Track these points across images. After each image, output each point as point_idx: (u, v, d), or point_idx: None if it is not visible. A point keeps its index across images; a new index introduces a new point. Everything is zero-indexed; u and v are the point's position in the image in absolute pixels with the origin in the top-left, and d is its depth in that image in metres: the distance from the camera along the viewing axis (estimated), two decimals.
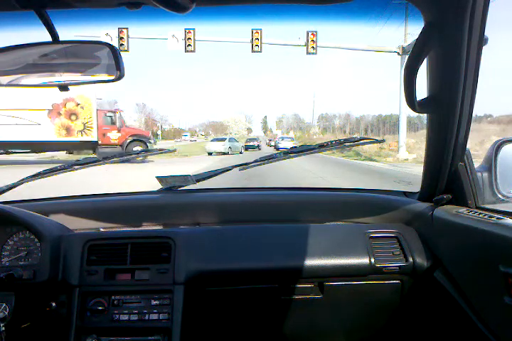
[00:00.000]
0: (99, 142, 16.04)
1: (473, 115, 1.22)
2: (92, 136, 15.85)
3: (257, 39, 16.58)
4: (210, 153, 23.96)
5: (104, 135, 16.26)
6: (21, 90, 12.06)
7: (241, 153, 25.43)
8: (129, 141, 16.43)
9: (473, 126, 1.25)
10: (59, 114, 15.31)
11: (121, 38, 16.38)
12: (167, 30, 17.16)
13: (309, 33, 16.59)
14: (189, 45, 16.92)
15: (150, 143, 17.36)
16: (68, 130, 15.49)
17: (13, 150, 15.24)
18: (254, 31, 16.48)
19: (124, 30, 16.32)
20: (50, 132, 15.17)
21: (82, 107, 15.58)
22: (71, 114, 15.45)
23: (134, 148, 15.78)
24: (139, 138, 16.75)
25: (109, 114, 16.66)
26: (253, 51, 16.78)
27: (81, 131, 15.69)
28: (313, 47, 16.79)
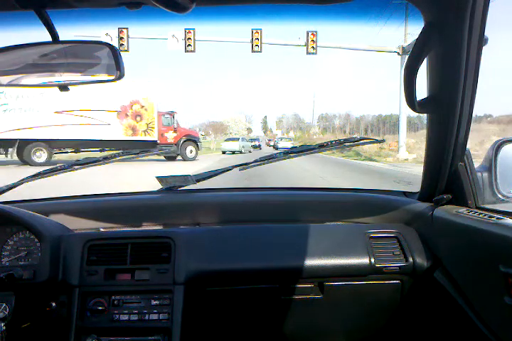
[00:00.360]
0: (158, 141, 17.58)
1: (473, 115, 1.22)
2: (153, 136, 17.50)
3: (257, 39, 16.59)
4: (224, 152, 25.78)
5: (162, 135, 17.86)
6: (92, 92, 14.33)
7: (250, 151, 27.50)
8: (183, 140, 18.10)
9: (473, 126, 1.24)
10: (126, 115, 16.91)
11: (121, 38, 16.41)
12: (167, 30, 17.22)
13: (309, 33, 16.60)
14: (189, 45, 16.93)
15: (200, 142, 19.29)
16: (134, 130, 17.10)
17: (83, 149, 16.39)
18: (254, 31, 16.49)
19: (124, 30, 16.34)
20: (119, 132, 16.73)
21: (146, 109, 17.21)
22: (136, 116, 17.11)
23: (188, 147, 18.13)
24: (191, 138, 18.48)
25: (166, 115, 18.17)
26: (253, 51, 16.79)
27: (144, 131, 17.35)
28: (313, 47, 16.79)
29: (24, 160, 14.54)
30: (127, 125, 16.95)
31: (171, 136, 17.90)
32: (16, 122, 14.50)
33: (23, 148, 14.75)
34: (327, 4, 0.92)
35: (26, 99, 14.80)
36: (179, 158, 17.93)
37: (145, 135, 17.36)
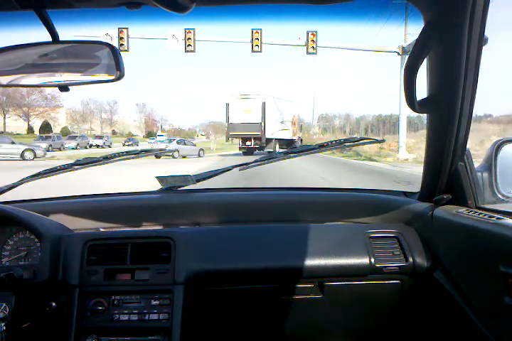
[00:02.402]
0: (295, 139, 28.41)
1: (473, 115, 1.22)
2: (297, 136, 28.78)
3: (257, 39, 16.60)
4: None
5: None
6: (282, 108, 26.29)
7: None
8: (300, 139, 29.26)
9: (473, 126, 1.24)
10: (292, 123, 28.12)
11: (121, 38, 16.43)
12: (167, 30, 17.28)
13: (309, 33, 16.61)
14: (189, 45, 16.95)
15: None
16: (294, 132, 28.27)
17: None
18: (254, 31, 16.50)
19: (124, 30, 16.36)
20: (290, 134, 27.63)
21: (296, 120, 28.92)
22: (294, 124, 28.41)
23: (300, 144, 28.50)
24: (301, 138, 29.99)
25: (299, 124, 30.43)
26: (253, 51, 16.80)
27: (296, 133, 28.66)
28: (313, 47, 16.81)
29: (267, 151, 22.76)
30: (293, 129, 28.04)
31: (297, 136, 28.98)
32: (272, 128, 24.20)
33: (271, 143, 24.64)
34: (327, 4, 0.92)
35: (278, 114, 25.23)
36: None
37: (295, 136, 28.25)
